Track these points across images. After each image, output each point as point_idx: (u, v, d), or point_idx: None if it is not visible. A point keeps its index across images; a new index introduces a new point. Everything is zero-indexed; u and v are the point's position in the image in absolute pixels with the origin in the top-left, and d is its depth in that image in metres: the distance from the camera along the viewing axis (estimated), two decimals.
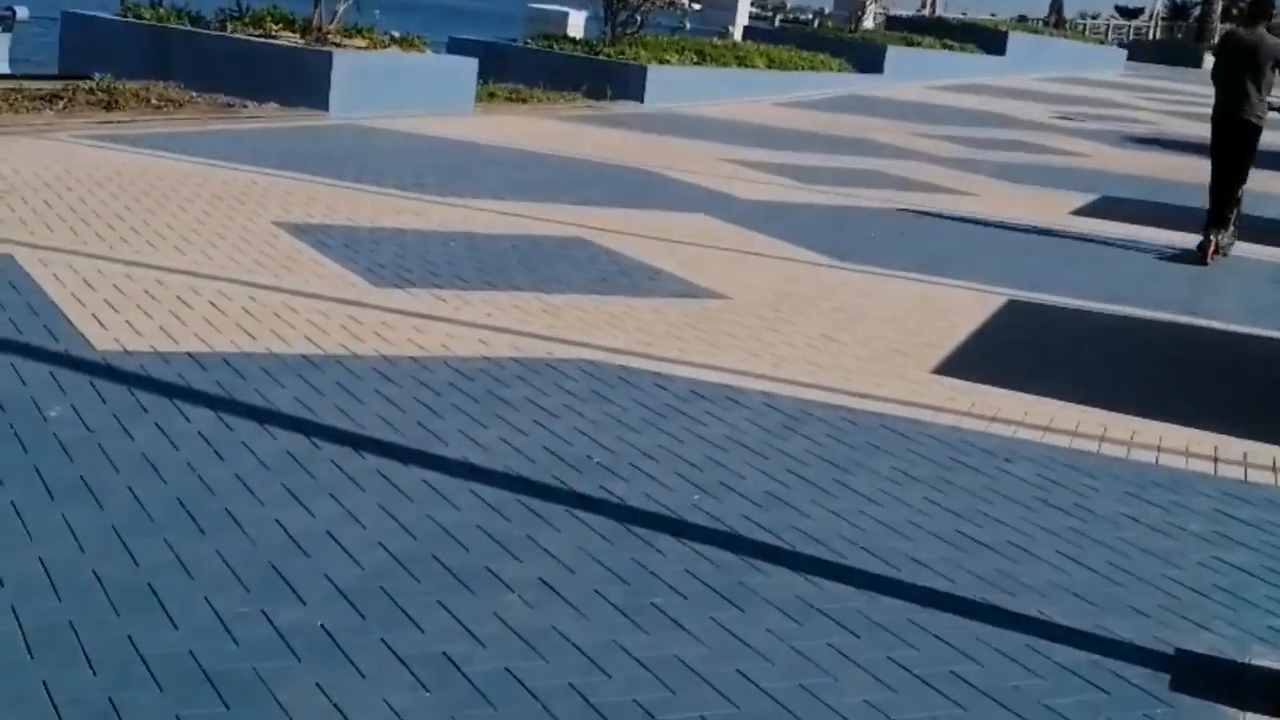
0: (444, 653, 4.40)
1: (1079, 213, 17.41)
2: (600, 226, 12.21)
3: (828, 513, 6.06)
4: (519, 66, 24.49)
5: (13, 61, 19.18)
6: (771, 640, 4.78)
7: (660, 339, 8.62)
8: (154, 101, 16.12)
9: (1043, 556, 5.88)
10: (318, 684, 4.11)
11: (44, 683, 3.93)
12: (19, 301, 7.61)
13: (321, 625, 4.47)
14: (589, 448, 6.50)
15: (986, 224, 15.56)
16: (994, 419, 7.78)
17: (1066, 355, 9.81)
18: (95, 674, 4.02)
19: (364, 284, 9.06)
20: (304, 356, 7.31)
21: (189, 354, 7.09)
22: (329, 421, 6.40)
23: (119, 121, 14.87)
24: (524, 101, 22.77)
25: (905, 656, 4.79)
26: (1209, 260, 14.32)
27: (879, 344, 9.20)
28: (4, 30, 18.74)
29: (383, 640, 4.43)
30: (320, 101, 17.76)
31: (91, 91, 15.87)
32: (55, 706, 3.82)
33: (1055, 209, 17.44)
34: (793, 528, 5.83)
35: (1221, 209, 14.61)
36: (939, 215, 15.72)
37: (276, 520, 5.23)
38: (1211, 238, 14.47)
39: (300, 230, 10.44)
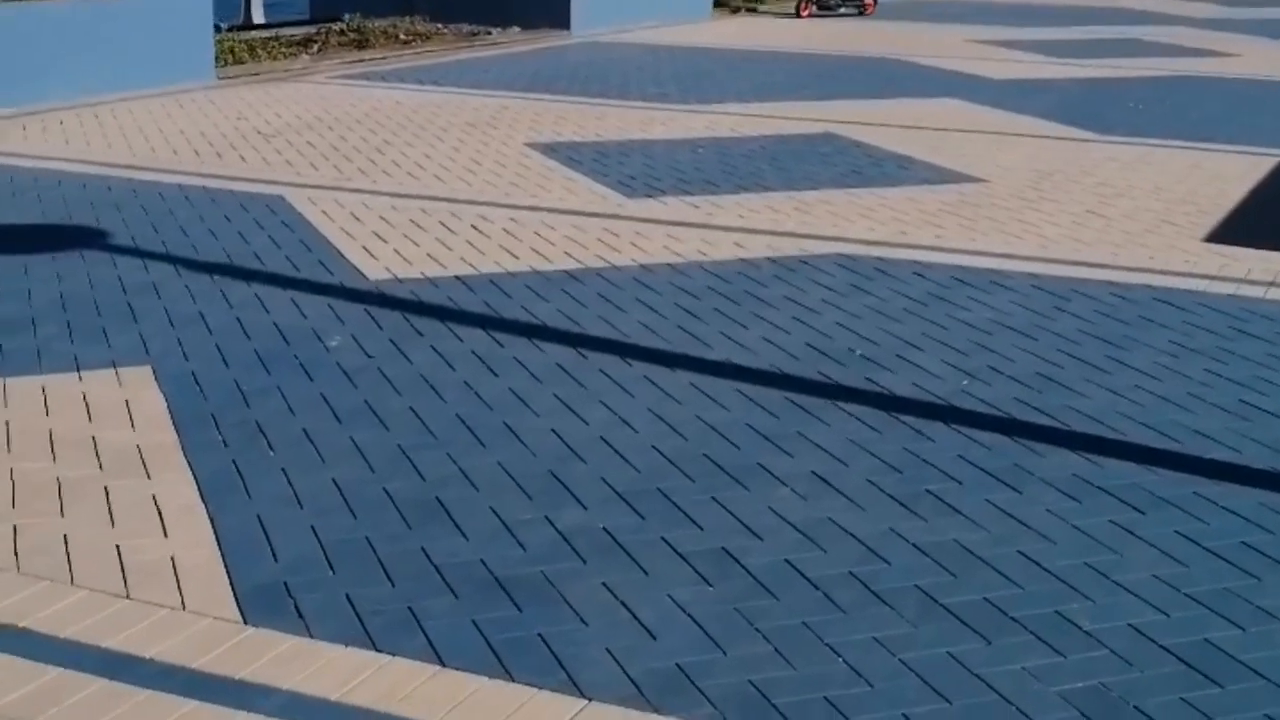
0: (723, 547, 4.46)
1: None
2: (848, 119, 12.06)
3: (1103, 390, 5.92)
4: None
5: (268, 8, 19.88)
6: (1051, 520, 4.71)
7: (916, 227, 8.50)
8: (402, 37, 16.53)
9: None
10: (604, 583, 4.22)
11: (347, 595, 4.13)
12: (293, 239, 7.94)
13: (603, 527, 4.58)
14: (852, 341, 6.48)
15: (1254, 83, 14.83)
16: (1273, 284, 7.46)
17: None
18: (394, 585, 4.20)
19: (617, 197, 9.16)
20: (565, 271, 7.45)
21: (456, 277, 7.29)
22: (594, 332, 6.52)
23: (370, 59, 15.28)
24: (760, 1, 22.58)
25: (1193, 529, 4.67)
26: None
27: (1147, 216, 8.89)
28: None
29: (663, 538, 4.52)
30: (561, 21, 17.94)
31: (343, 33, 16.36)
32: (359, 617, 4.01)
33: None
34: (1067, 407, 5.71)
35: None
36: (1204, 78, 15.05)
37: (552, 429, 5.37)
38: None
39: (551, 149, 10.60)
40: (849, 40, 18.03)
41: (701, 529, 4.59)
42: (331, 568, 4.29)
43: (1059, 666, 3.85)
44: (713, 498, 4.81)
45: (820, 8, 17.46)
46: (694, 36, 18.16)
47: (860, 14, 18.05)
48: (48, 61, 11.81)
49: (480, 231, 8.18)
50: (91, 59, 12.11)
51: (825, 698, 3.67)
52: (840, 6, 17.76)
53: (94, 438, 5.19)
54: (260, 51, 15.10)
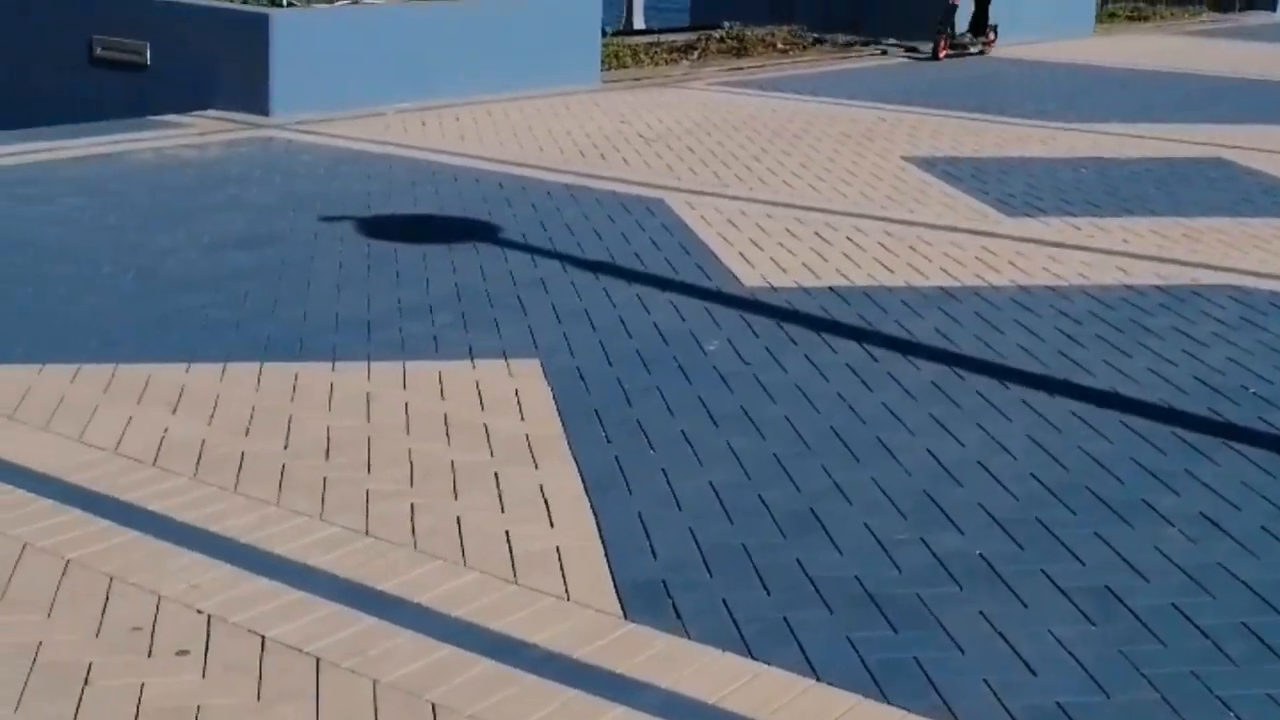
0: (1106, 585, 4.33)
1: None
2: (1240, 145, 11.54)
3: None
4: None
5: (648, 12, 20.35)
6: None
7: None
8: (780, 46, 16.69)
9: None
10: (981, 611, 4.16)
11: (724, 600, 4.19)
12: (672, 242, 8.10)
13: (980, 554, 4.51)
14: (1244, 378, 6.20)
15: None
16: None
17: None
18: (769, 593, 4.24)
19: (995, 214, 9.01)
20: (941, 288, 7.37)
21: (830, 288, 7.31)
22: (970, 351, 6.43)
23: (748, 67, 15.46)
24: (1145, 19, 21.90)
25: None
26: None
27: None
28: None
29: (1042, 570, 4.41)
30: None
31: (722, 40, 16.62)
32: (735, 622, 4.06)
33: None
34: None
35: None
36: None
37: (927, 449, 5.32)
38: None
39: (928, 163, 10.50)
40: (1241, 62, 17.25)
41: (1083, 564, 4.47)
42: (709, 570, 4.36)
43: None
44: (1095, 532, 4.68)
45: (953, 48, 17.15)
46: (1074, 53, 17.70)
47: (982, 53, 17.51)
48: (448, 59, 12.35)
49: (855, 244, 8.17)
50: (486, 58, 12.62)
51: None
52: (970, 46, 17.41)
53: (485, 425, 5.42)
54: (643, 56, 15.47)
